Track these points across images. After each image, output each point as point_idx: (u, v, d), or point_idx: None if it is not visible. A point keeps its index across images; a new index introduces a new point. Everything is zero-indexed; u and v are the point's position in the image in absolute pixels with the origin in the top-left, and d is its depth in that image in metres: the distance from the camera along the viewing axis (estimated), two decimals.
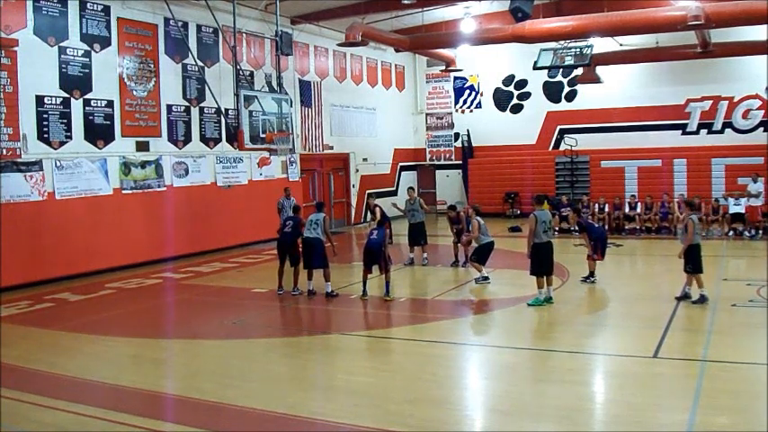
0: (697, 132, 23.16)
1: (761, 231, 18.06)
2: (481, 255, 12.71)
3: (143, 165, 16.02)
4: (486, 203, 23.33)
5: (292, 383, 7.65)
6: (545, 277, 10.97)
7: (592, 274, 12.49)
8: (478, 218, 12.70)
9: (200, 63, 17.13)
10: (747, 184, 18.89)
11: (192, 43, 17.24)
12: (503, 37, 18.49)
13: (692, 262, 10.67)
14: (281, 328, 10.79)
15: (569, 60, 19.49)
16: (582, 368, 8.03)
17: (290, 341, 9.67)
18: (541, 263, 10.89)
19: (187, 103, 17.36)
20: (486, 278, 12.62)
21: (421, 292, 12.90)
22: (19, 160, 13.28)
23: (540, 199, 11.80)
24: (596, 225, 14.37)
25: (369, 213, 15.69)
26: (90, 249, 14.59)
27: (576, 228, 14.78)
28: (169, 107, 16.84)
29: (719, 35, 19.07)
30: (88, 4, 14.80)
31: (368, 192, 18.37)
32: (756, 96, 22.02)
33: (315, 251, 11.81)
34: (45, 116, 13.98)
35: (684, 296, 10.77)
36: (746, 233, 18.17)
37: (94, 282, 13.93)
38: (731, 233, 18.42)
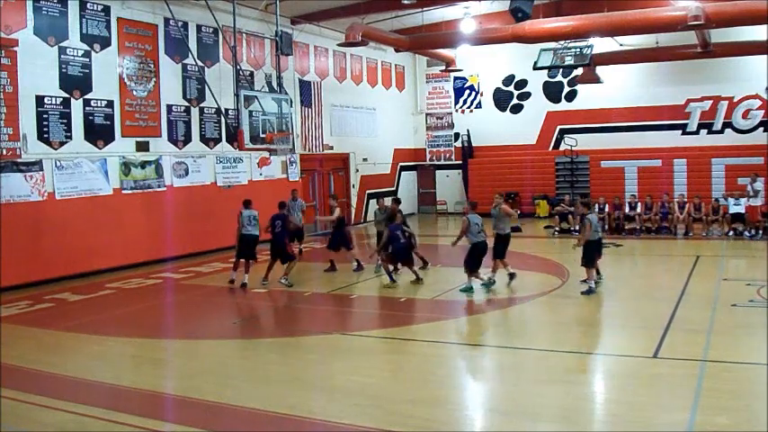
0: (697, 132, 23.16)
1: (761, 231, 18.05)
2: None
3: (143, 165, 16.02)
4: (487, 203, 23.25)
5: (292, 383, 7.64)
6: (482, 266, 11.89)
7: (597, 272, 12.36)
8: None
9: (200, 63, 17.13)
10: (747, 184, 18.86)
11: (192, 43, 17.24)
12: (503, 37, 18.47)
13: (586, 257, 11.65)
14: (281, 328, 10.79)
15: (569, 60, 19.48)
16: (582, 368, 8.03)
17: (289, 341, 9.66)
18: (474, 260, 11.82)
19: (187, 103, 17.36)
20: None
21: (421, 293, 12.88)
22: (19, 160, 13.28)
23: (474, 204, 12.51)
24: None
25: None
26: (90, 249, 14.59)
27: (578, 217, 14.26)
28: (169, 107, 16.84)
29: (719, 35, 19.06)
30: (88, 4, 14.80)
31: (331, 194, 17.09)
32: (756, 96, 22.02)
33: (253, 246, 13.21)
34: (45, 116, 13.98)
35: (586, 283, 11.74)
36: (746, 233, 18.16)
37: (94, 282, 13.93)
38: (731, 233, 18.41)
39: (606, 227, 18.54)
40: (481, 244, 11.82)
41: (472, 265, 11.88)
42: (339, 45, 19.89)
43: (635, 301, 11.23)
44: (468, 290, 11.83)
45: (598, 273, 12.34)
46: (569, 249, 15.88)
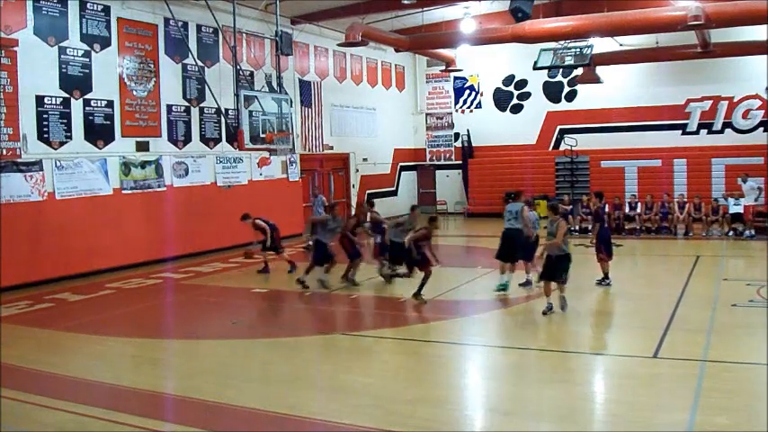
0: (697, 132, 23.17)
1: (754, 231, 18.06)
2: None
3: (143, 165, 16.02)
4: (487, 203, 23.37)
5: (292, 383, 7.64)
6: (508, 264, 11.60)
7: (606, 276, 12.22)
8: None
9: (200, 63, 17.12)
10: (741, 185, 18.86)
11: (192, 43, 17.24)
12: (503, 37, 18.47)
13: (527, 251, 11.85)
14: (281, 328, 10.79)
15: (569, 60, 19.47)
16: (582, 368, 8.03)
17: (289, 341, 9.65)
18: (501, 249, 11.69)
19: (187, 103, 17.37)
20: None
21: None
22: (19, 160, 13.28)
23: (510, 196, 12.19)
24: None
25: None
26: (90, 249, 14.58)
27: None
28: (169, 107, 16.84)
29: (719, 35, 19.06)
30: (88, 4, 14.80)
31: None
32: (756, 96, 22.02)
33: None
34: (45, 116, 13.98)
35: (527, 282, 12.06)
36: (746, 233, 18.17)
37: (94, 282, 13.93)
38: (731, 233, 18.42)
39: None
40: (507, 231, 11.60)
41: (498, 255, 11.71)
42: (339, 45, 19.89)
43: (635, 301, 11.23)
44: (503, 287, 11.47)
45: (606, 276, 12.28)
46: (570, 249, 15.90)
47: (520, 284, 12.00)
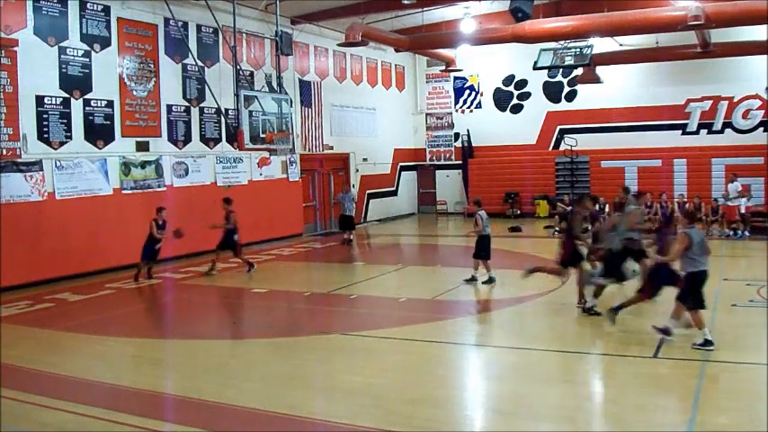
0: (697, 132, 23.16)
1: (744, 230, 18.09)
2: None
3: (143, 165, 16.02)
4: (486, 203, 23.24)
5: (292, 383, 7.64)
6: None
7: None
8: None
9: (200, 63, 17.12)
10: (747, 185, 18.87)
11: (192, 43, 17.24)
12: (503, 37, 18.47)
13: (483, 250, 12.48)
14: (281, 328, 10.78)
15: (569, 60, 19.48)
16: (582, 368, 8.04)
17: (289, 341, 9.65)
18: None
19: (187, 103, 17.37)
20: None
21: (421, 292, 12.89)
22: (19, 160, 13.29)
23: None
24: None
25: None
26: (90, 249, 14.58)
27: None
28: (169, 107, 16.85)
29: (719, 35, 19.06)
30: (88, 4, 14.81)
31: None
32: (756, 96, 22.01)
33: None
34: (45, 116, 13.98)
35: (472, 278, 12.56)
36: (746, 233, 18.17)
37: (94, 282, 13.93)
38: (731, 233, 18.42)
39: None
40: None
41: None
42: (339, 45, 19.89)
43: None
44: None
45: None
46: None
47: (483, 282, 12.49)
